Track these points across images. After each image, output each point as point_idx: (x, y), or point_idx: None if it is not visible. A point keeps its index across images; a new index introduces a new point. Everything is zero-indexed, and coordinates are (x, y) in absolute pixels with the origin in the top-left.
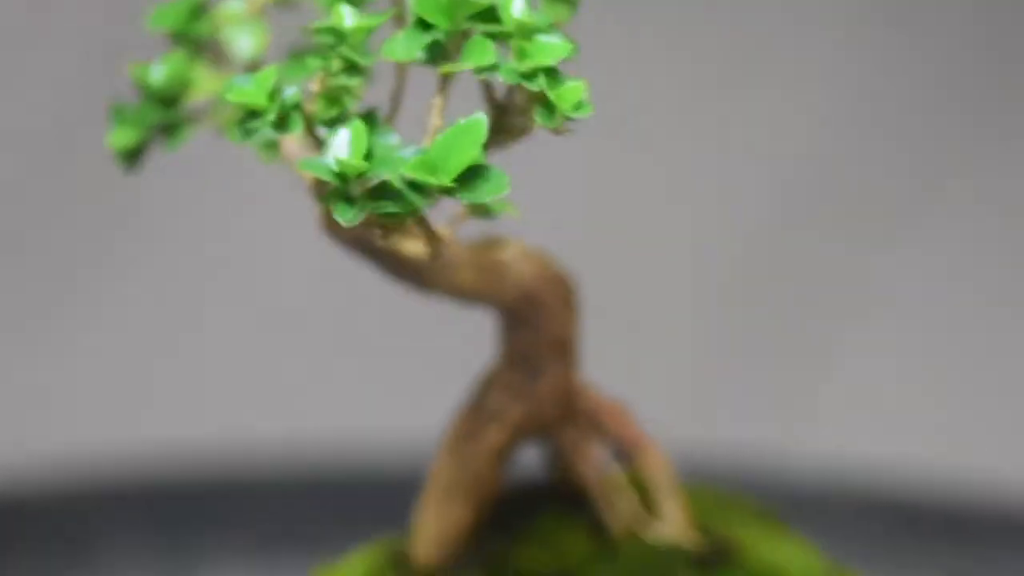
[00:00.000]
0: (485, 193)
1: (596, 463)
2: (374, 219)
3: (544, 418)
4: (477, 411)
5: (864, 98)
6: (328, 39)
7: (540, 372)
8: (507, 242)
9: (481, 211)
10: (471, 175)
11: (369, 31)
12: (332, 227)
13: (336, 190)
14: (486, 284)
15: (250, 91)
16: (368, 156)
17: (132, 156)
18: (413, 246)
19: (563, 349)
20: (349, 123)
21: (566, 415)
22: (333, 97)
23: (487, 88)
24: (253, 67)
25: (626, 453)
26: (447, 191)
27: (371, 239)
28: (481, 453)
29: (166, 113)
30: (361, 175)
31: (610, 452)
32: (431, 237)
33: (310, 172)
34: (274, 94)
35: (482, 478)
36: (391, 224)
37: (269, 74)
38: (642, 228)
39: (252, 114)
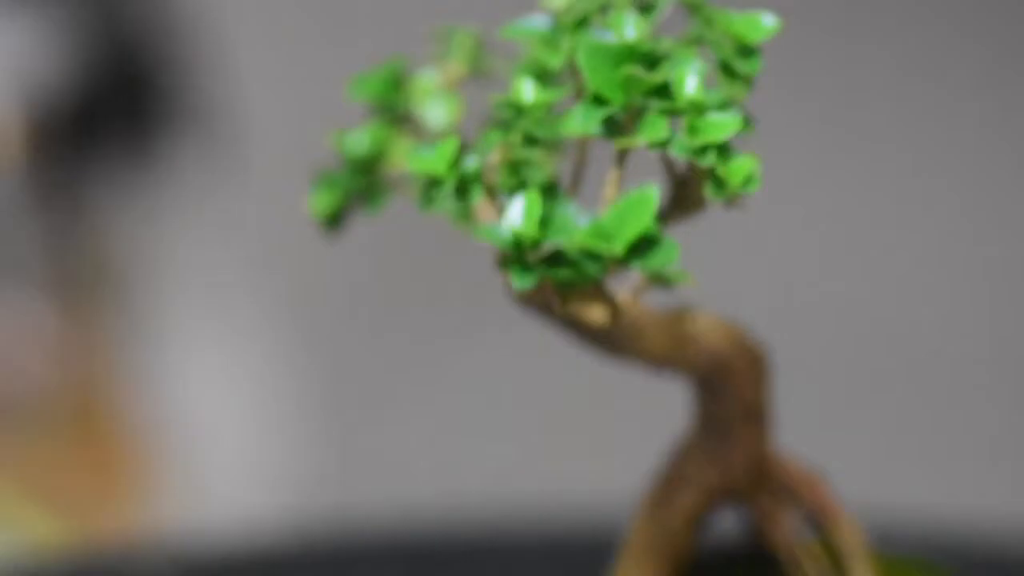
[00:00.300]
0: (656, 262)
1: (789, 530)
2: (551, 287)
3: (737, 484)
4: (672, 476)
5: None
6: (509, 113)
7: (732, 439)
8: (697, 311)
9: (659, 280)
10: (643, 244)
11: (549, 106)
12: (518, 295)
13: (512, 257)
14: (675, 352)
15: (432, 160)
16: (543, 225)
17: (333, 220)
18: (595, 313)
19: (755, 417)
20: (526, 193)
21: (760, 482)
22: (514, 168)
23: (667, 162)
24: (447, 137)
25: (819, 521)
26: (619, 259)
27: (554, 306)
28: (676, 517)
29: (365, 180)
30: (535, 243)
31: (803, 520)
32: (610, 305)
33: (487, 240)
34: (454, 164)
35: (677, 541)
36: (568, 291)
37: (450, 144)
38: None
39: (433, 182)
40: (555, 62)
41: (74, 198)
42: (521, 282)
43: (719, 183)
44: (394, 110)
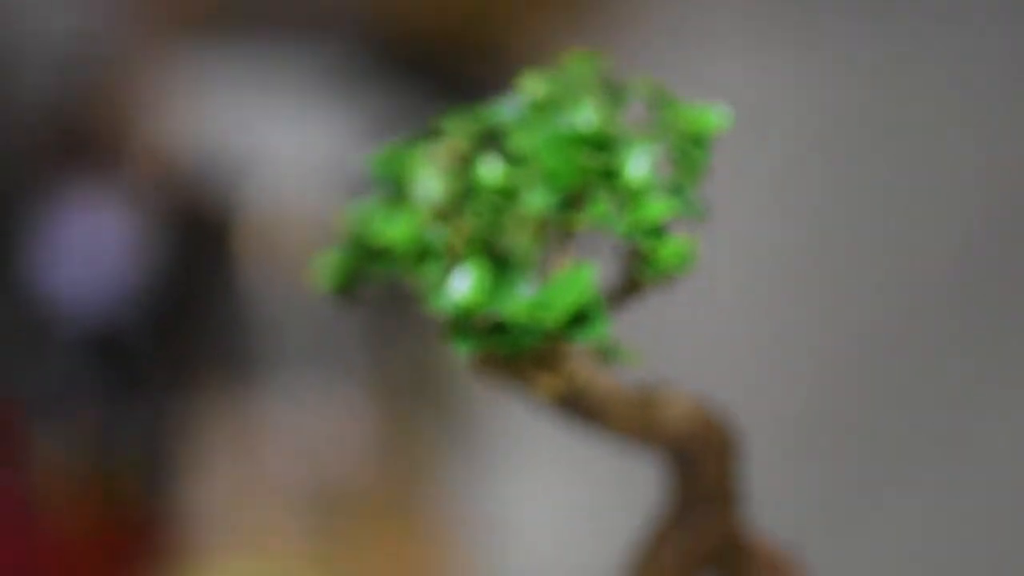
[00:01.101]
0: (584, 336)
1: None
2: (498, 358)
3: (705, 562)
4: (644, 553)
5: None
6: (474, 190)
7: (702, 518)
8: (665, 388)
9: (603, 354)
10: (580, 319)
11: (509, 185)
12: (470, 364)
13: (454, 323)
14: (642, 429)
15: (395, 229)
16: (489, 295)
17: (340, 292)
18: (545, 386)
19: (722, 495)
20: (475, 263)
21: (727, 560)
22: (477, 242)
23: (619, 245)
24: (436, 212)
25: None
26: (554, 332)
27: (498, 377)
28: None
29: (369, 253)
30: (477, 310)
31: None
32: (560, 378)
33: (434, 305)
34: (418, 234)
35: None
36: (519, 363)
37: (416, 215)
38: None
39: (393, 251)
40: (521, 144)
41: (399, 292)
42: (461, 349)
43: (651, 263)
44: (401, 185)
